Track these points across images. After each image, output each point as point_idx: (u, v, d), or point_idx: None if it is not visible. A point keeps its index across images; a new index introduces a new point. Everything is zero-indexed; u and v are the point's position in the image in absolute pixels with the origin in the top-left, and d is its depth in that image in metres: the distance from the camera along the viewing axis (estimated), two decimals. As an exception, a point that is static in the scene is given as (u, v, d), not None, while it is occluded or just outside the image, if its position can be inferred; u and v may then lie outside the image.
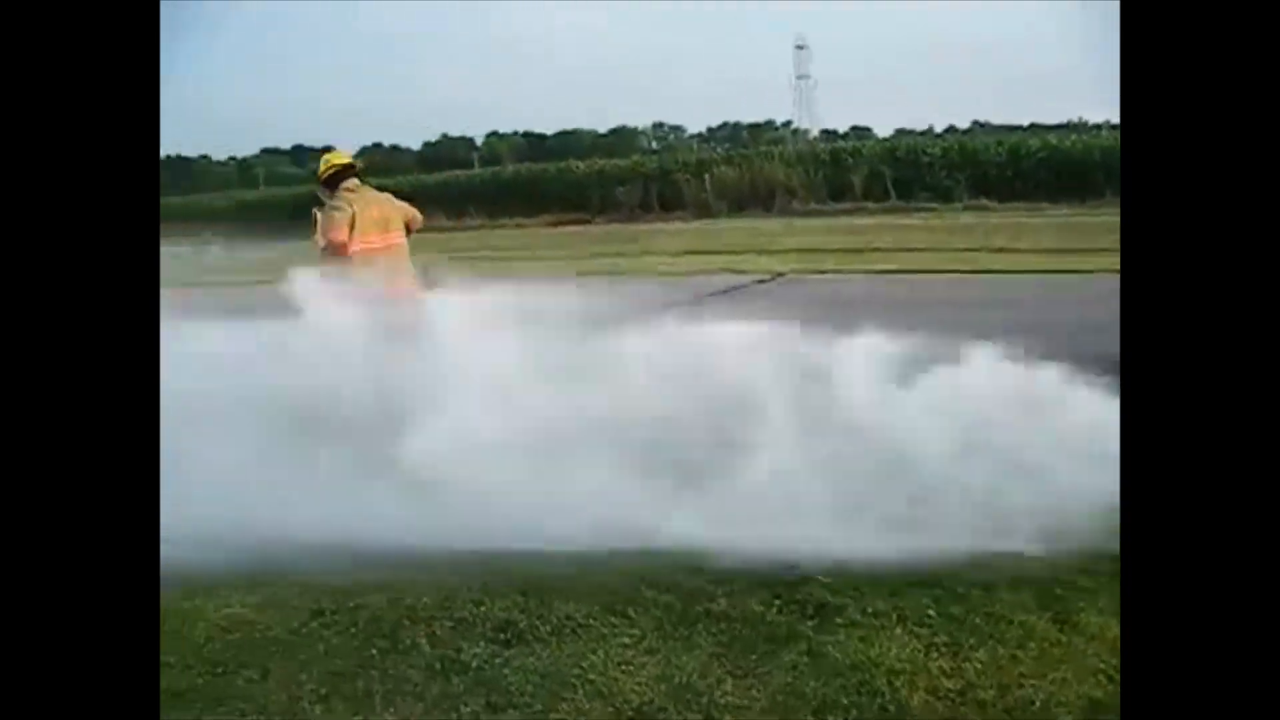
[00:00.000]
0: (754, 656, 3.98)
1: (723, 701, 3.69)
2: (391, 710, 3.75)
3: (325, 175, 8.03)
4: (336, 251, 7.63)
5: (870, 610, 4.31)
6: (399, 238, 7.94)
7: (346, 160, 8.15)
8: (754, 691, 3.75)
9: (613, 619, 4.31)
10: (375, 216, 7.85)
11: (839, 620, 4.24)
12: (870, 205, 33.23)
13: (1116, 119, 52.93)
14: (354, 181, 7.97)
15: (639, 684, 3.83)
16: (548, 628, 4.27)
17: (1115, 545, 4.81)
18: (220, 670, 4.14)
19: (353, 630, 4.37)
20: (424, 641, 4.21)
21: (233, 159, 77.78)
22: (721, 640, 4.12)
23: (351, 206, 7.74)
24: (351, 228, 7.66)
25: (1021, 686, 3.72)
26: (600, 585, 4.62)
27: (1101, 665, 3.87)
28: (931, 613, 4.29)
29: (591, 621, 4.30)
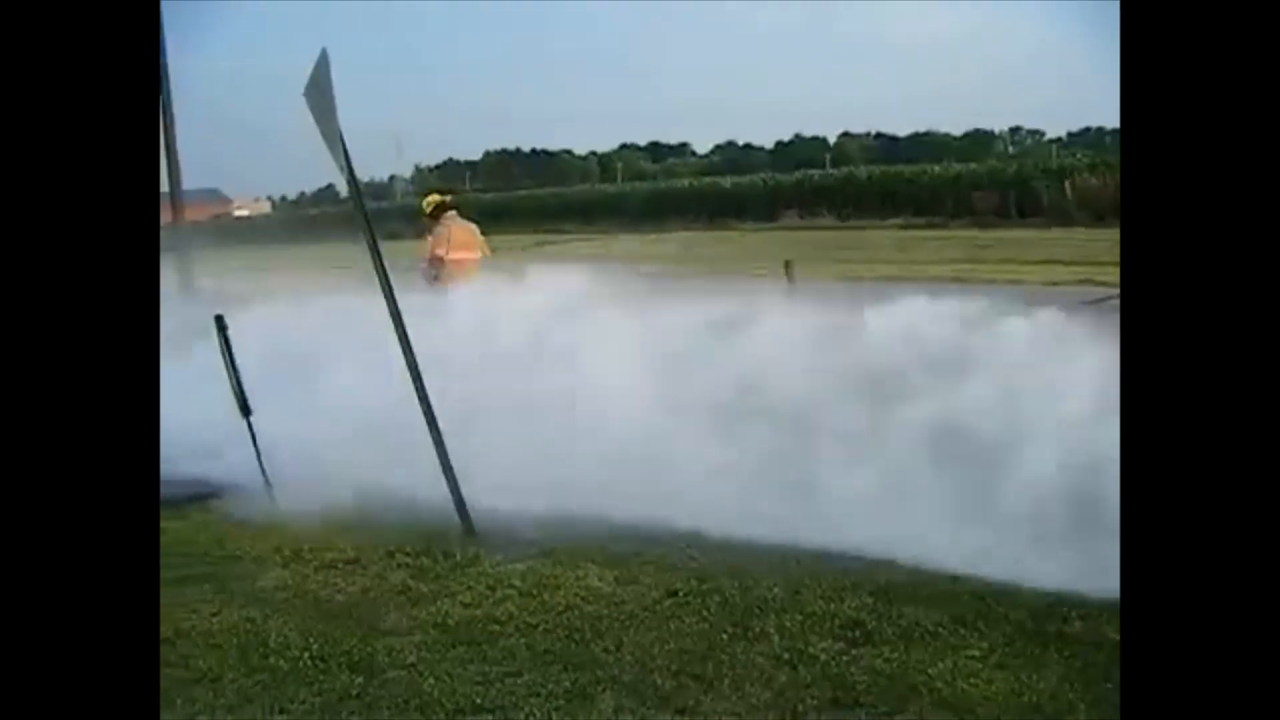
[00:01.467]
0: (1109, 685, 3.84)
1: (1076, 727, 3.60)
2: (739, 694, 3.86)
3: (430, 210, 11.22)
4: (435, 263, 10.87)
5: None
6: (474, 255, 11.08)
7: (443, 199, 11.46)
8: (1109, 721, 3.62)
9: (961, 630, 4.26)
10: (462, 239, 11.06)
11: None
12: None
13: None
14: (452, 212, 11.23)
15: (987, 698, 3.77)
16: (895, 631, 4.28)
17: None
18: (578, 638, 4.39)
19: (704, 613, 4.53)
20: (773, 631, 4.31)
21: (593, 153, 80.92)
22: (1074, 664, 4.00)
23: (449, 230, 11.03)
24: (448, 245, 10.92)
25: None
26: (947, 595, 4.59)
27: None
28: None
29: (940, 630, 4.27)
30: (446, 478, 5.82)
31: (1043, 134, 78.08)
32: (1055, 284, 17.01)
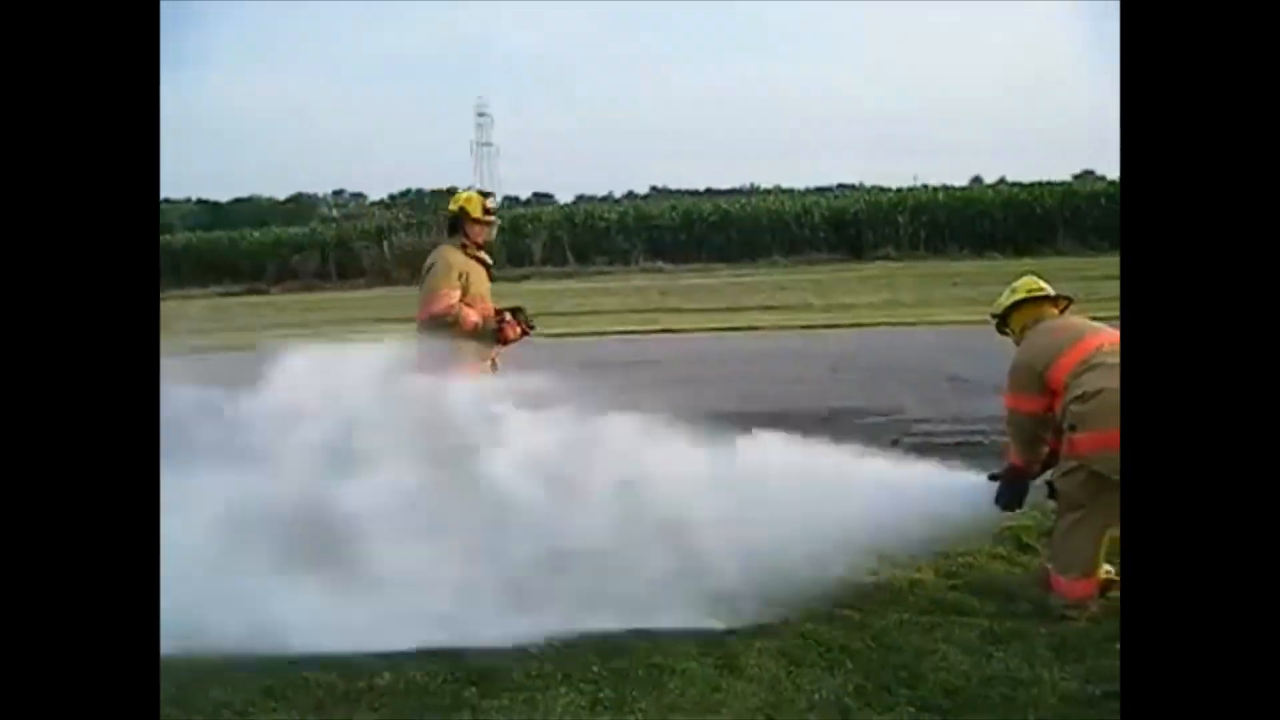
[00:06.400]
0: (426, 725, 3.90)
1: (385, 778, 3.59)
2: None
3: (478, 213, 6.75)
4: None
5: (534, 672, 4.29)
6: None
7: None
8: (417, 764, 3.65)
9: (271, 702, 4.10)
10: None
11: (503, 685, 4.21)
12: (549, 270, 33.83)
13: (787, 184, 55.02)
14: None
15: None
16: (203, 715, 4.03)
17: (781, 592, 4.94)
18: None
19: None
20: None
21: None
22: (383, 715, 4.01)
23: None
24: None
25: (681, 733, 3.80)
26: (257, 670, 4.39)
27: (759, 704, 4.02)
28: (595, 668, 4.32)
29: (250, 709, 4.08)
30: None
31: (365, 196, 79.55)
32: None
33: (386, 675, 4.30)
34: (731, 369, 13.35)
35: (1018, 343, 5.34)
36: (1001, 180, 45.03)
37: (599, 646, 4.51)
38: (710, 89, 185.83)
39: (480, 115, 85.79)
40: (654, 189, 64.96)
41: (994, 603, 5.07)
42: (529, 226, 37.09)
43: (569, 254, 35.55)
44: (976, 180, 47.83)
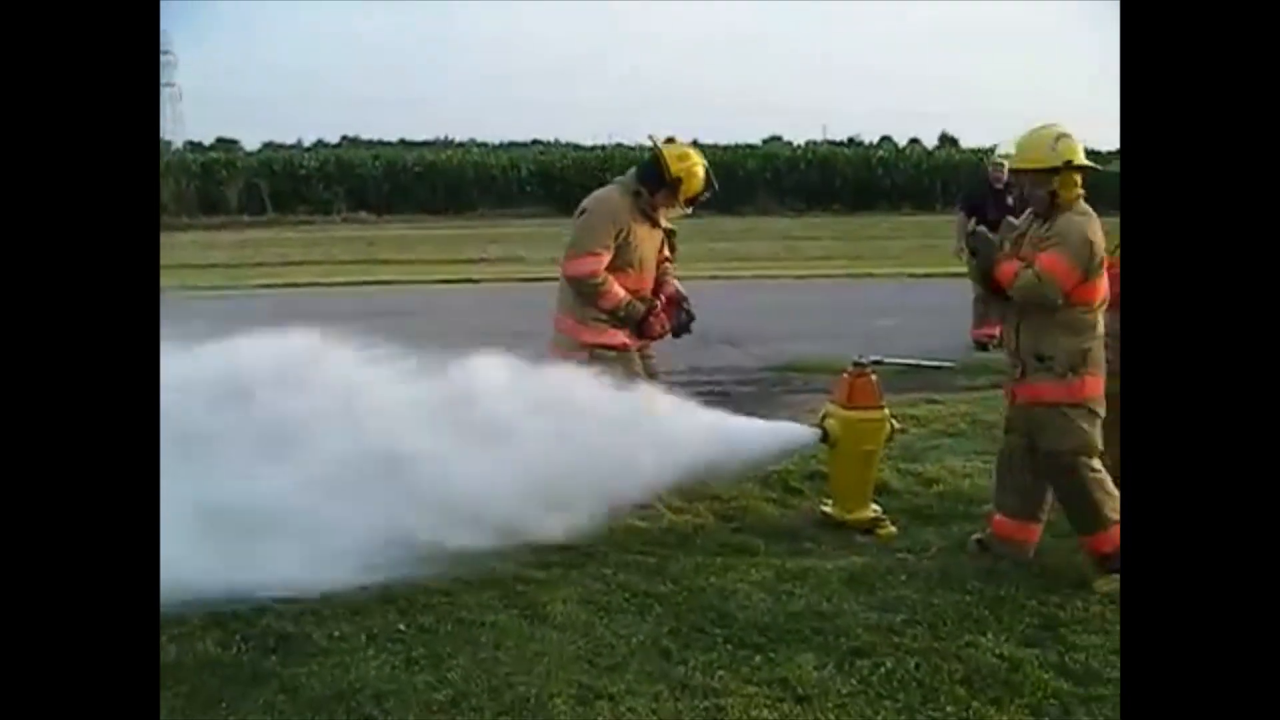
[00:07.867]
0: (223, 704, 3.62)
1: (194, 761, 3.32)
2: None
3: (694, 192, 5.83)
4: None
5: (337, 635, 4.09)
6: None
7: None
8: (231, 743, 3.41)
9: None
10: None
11: (307, 651, 3.97)
12: (247, 219, 32.42)
13: (480, 138, 54.26)
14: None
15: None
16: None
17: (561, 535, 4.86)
18: None
19: None
20: None
21: None
22: (179, 692, 3.68)
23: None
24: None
25: (512, 686, 3.72)
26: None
27: (578, 652, 3.99)
28: (401, 626, 4.17)
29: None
30: None
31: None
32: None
33: (172, 649, 3.96)
34: (465, 321, 13.12)
35: (1050, 206, 4.46)
36: (694, 141, 46.04)
37: (397, 603, 4.33)
38: (403, 39, 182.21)
39: (164, 54, 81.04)
40: (346, 138, 62.55)
41: (778, 543, 5.22)
42: (223, 173, 35.27)
43: (268, 203, 34.06)
44: (670, 140, 48.56)
